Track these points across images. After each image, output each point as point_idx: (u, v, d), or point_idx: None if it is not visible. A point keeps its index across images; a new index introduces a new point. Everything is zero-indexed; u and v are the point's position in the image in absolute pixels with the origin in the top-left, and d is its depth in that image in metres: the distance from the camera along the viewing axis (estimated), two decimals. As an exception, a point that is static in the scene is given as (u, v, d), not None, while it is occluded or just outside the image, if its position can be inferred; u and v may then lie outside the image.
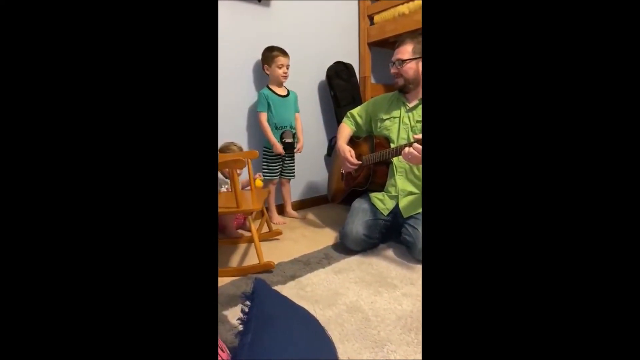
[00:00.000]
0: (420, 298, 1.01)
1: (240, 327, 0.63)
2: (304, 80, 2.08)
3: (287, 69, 1.76)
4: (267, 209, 1.84)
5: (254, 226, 1.27)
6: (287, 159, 1.85)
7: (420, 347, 0.80)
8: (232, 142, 1.70)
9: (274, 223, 1.80)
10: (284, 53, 1.74)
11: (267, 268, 1.24)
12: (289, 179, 1.91)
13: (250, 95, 1.86)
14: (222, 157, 1.55)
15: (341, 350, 0.79)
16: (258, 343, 0.55)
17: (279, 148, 1.76)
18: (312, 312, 0.89)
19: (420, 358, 0.76)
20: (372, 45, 2.31)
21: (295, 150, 1.84)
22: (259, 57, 1.79)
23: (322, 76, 2.17)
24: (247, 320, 0.64)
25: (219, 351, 0.55)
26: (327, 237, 1.61)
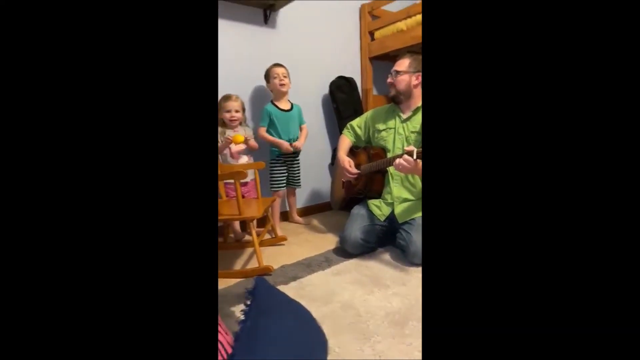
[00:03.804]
0: (409, 297, 1.10)
1: (242, 317, 0.74)
2: (309, 94, 2.22)
3: (285, 78, 1.81)
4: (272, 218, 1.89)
5: (255, 232, 1.38)
6: (292, 168, 1.95)
7: (404, 338, 0.88)
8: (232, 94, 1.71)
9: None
10: (277, 65, 1.83)
11: (266, 271, 1.35)
12: (295, 188, 2.02)
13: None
14: (225, 167, 1.67)
15: (332, 341, 0.88)
16: (255, 328, 0.66)
17: (285, 145, 1.81)
18: (309, 309, 0.99)
19: (403, 347, 0.85)
20: (373, 59, 2.43)
21: (293, 147, 1.85)
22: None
23: (326, 90, 2.30)
24: (248, 311, 0.74)
25: (223, 334, 0.66)
26: (329, 241, 1.71)
